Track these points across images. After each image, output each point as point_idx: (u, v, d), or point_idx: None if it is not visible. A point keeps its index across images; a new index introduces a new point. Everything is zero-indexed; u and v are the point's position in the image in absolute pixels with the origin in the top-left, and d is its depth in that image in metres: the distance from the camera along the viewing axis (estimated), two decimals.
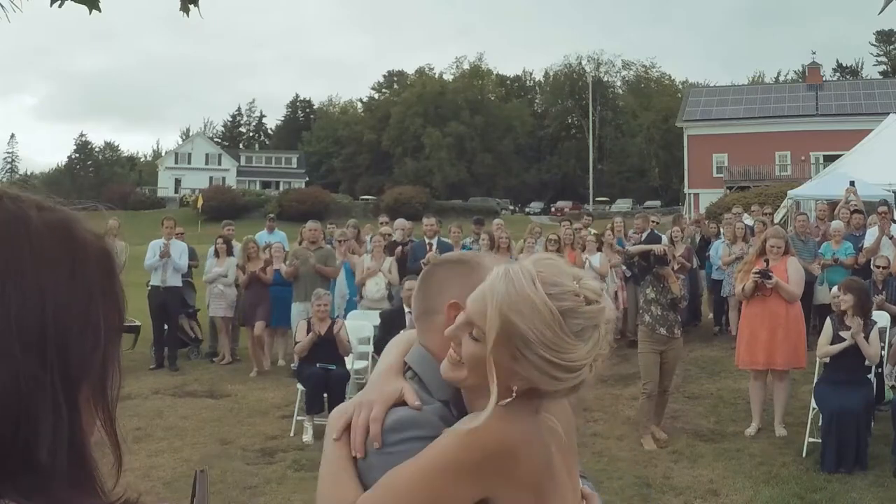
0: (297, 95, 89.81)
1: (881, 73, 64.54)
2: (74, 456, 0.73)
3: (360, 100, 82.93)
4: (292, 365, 8.36)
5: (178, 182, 69.91)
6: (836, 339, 6.28)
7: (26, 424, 0.69)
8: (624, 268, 10.80)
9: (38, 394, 0.70)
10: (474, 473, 1.30)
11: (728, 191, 36.70)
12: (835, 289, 7.26)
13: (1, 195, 0.76)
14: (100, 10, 2.64)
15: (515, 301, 1.27)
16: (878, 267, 8.57)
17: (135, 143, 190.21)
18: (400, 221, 11.50)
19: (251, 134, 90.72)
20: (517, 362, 1.27)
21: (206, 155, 73.82)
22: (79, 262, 0.75)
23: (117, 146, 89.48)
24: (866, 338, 6.20)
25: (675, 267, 7.50)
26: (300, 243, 10.29)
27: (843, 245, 10.05)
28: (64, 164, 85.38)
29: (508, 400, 1.29)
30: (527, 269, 1.30)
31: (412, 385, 1.48)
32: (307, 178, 70.73)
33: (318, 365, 7.08)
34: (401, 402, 1.45)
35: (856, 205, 11.80)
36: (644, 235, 11.63)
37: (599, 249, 10.98)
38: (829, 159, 29.50)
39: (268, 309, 9.87)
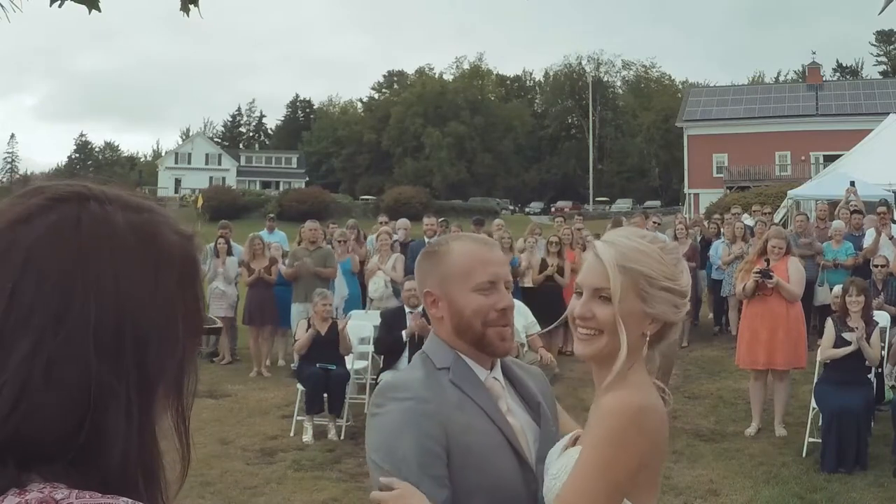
0: (297, 95, 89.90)
1: (881, 73, 64.55)
2: (145, 461, 0.73)
3: (360, 100, 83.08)
4: (292, 365, 8.36)
5: (178, 182, 69.89)
6: (838, 340, 6.28)
7: (98, 422, 0.69)
8: None
9: (110, 401, 0.70)
10: (637, 443, 1.44)
11: (728, 191, 36.69)
12: (836, 288, 7.26)
13: (89, 196, 0.75)
14: (100, 10, 2.64)
15: (626, 253, 1.51)
16: (877, 266, 8.57)
17: (135, 143, 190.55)
18: (402, 221, 11.51)
19: (251, 134, 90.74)
20: (647, 303, 1.50)
21: (206, 155, 73.80)
22: (161, 268, 0.75)
23: (117, 146, 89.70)
24: (868, 338, 6.21)
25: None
26: (299, 243, 10.29)
27: (844, 245, 10.05)
28: (64, 164, 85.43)
29: (644, 350, 1.50)
30: (616, 233, 1.57)
31: (418, 359, 1.74)
32: (307, 178, 70.69)
33: (318, 365, 7.07)
34: None
35: (856, 205, 11.80)
36: None
37: None
38: (829, 159, 29.51)
39: (274, 309, 9.87)
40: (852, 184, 13.07)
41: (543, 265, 9.99)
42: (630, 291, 1.49)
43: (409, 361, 6.03)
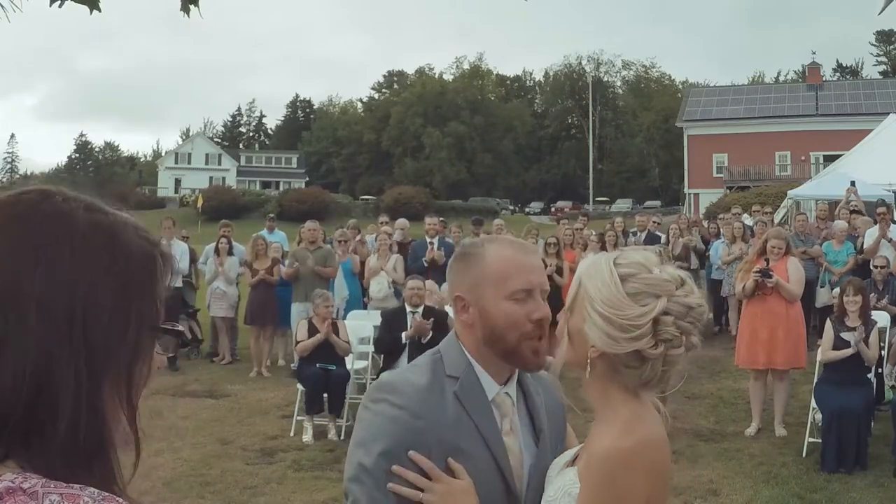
0: (297, 95, 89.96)
1: (881, 73, 64.55)
2: (93, 438, 0.77)
3: (360, 100, 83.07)
4: (292, 365, 8.36)
5: (178, 182, 69.89)
6: (837, 340, 6.29)
7: (47, 395, 0.75)
8: None
9: (58, 368, 0.75)
10: (636, 485, 1.39)
11: (728, 191, 36.71)
12: (837, 289, 7.26)
13: (55, 192, 0.82)
14: (100, 10, 2.63)
15: (588, 268, 1.50)
16: (876, 267, 8.57)
17: (135, 143, 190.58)
18: (401, 221, 11.50)
19: (251, 134, 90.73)
20: (585, 322, 1.46)
21: (206, 155, 73.80)
22: (117, 261, 0.81)
23: (117, 146, 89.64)
24: (867, 338, 6.21)
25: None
26: (299, 243, 10.29)
27: (845, 245, 10.05)
28: (64, 164, 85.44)
29: (586, 375, 1.48)
30: (623, 250, 1.55)
31: (429, 360, 1.65)
32: (307, 178, 70.70)
33: (318, 365, 7.08)
34: None
35: (856, 205, 11.80)
36: (643, 235, 11.64)
37: (603, 248, 10.99)
38: (829, 159, 29.51)
39: (276, 309, 9.87)
40: (853, 184, 13.07)
41: (543, 265, 9.99)
42: (576, 305, 1.49)
43: (409, 362, 6.01)
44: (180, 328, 0.95)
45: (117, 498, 0.76)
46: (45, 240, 0.78)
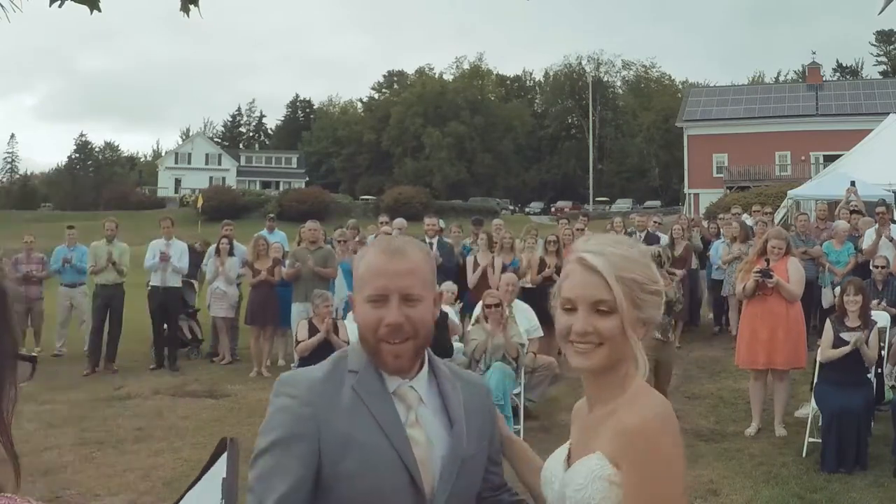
0: (297, 95, 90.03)
1: (881, 73, 64.57)
2: None
3: (360, 100, 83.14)
4: (292, 364, 8.36)
5: (178, 182, 69.91)
6: (836, 340, 6.29)
7: None
8: None
9: None
10: (674, 452, 1.47)
11: (728, 191, 36.73)
12: (837, 288, 7.25)
13: None
14: (100, 10, 2.63)
15: (618, 263, 1.52)
16: (877, 267, 8.57)
17: (135, 143, 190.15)
18: (398, 221, 11.48)
19: (251, 134, 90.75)
20: (640, 309, 1.52)
21: (206, 155, 73.82)
22: None
23: (117, 146, 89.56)
24: (867, 339, 6.21)
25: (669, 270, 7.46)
26: (299, 243, 10.28)
27: (846, 246, 10.05)
28: (64, 164, 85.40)
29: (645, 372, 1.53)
30: (599, 242, 1.57)
31: (336, 356, 1.75)
32: (307, 178, 70.72)
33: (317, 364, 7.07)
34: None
35: (856, 205, 11.79)
36: (642, 235, 11.63)
37: None
38: (829, 159, 29.51)
39: (276, 309, 9.87)
40: (853, 184, 13.07)
41: (542, 265, 10.00)
42: (627, 300, 1.50)
43: None
44: (33, 354, 1.04)
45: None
46: None
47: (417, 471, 1.60)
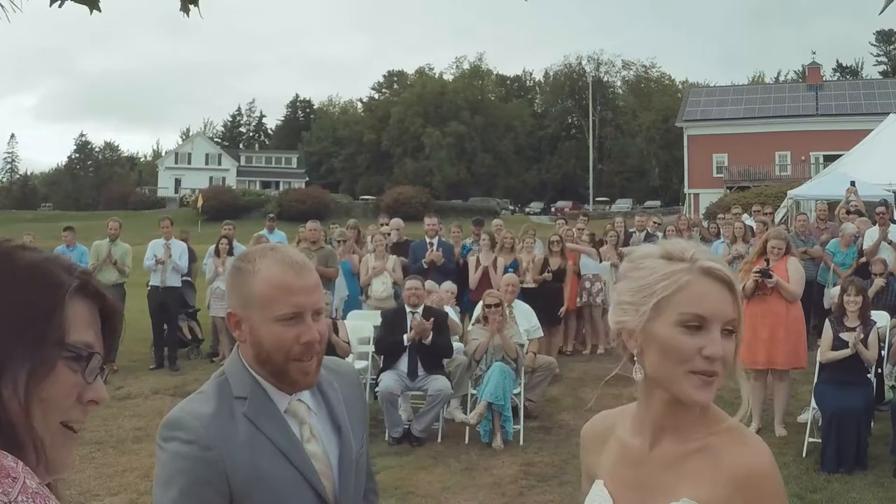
0: (297, 95, 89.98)
1: (881, 73, 64.54)
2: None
3: (360, 100, 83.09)
4: None
5: (178, 182, 69.89)
6: (836, 340, 6.29)
7: None
8: None
9: None
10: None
11: (728, 191, 36.72)
12: (835, 289, 7.25)
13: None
14: (100, 10, 2.63)
15: (733, 278, 1.34)
16: (875, 275, 8.55)
17: (135, 143, 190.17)
18: (395, 221, 11.47)
19: (251, 134, 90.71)
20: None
21: (206, 155, 73.79)
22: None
23: (117, 146, 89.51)
24: (866, 339, 6.21)
25: None
26: (298, 243, 10.27)
27: (851, 248, 10.00)
28: (64, 164, 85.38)
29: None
30: (701, 251, 1.37)
31: (214, 384, 1.62)
32: (307, 178, 70.70)
33: None
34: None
35: (856, 205, 11.79)
36: (641, 235, 11.63)
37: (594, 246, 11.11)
38: (829, 159, 29.52)
39: None
40: (853, 184, 13.06)
41: (545, 264, 9.99)
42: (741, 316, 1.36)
43: (409, 363, 6.00)
44: (95, 351, 0.99)
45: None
46: None
47: (322, 486, 1.58)
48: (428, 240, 9.96)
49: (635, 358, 1.37)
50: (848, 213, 11.17)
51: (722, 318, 1.30)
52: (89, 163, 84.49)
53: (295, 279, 1.58)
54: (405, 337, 6.82)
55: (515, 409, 6.90)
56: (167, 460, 1.51)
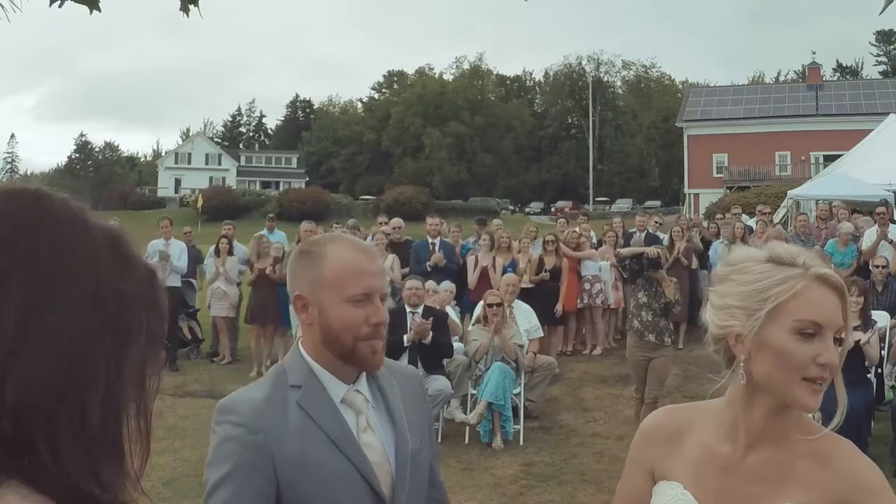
0: (297, 95, 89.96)
1: (881, 73, 64.54)
2: (116, 431, 0.75)
3: (360, 100, 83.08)
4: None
5: (178, 182, 69.88)
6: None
7: (81, 379, 0.71)
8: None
9: (92, 350, 0.72)
10: None
11: (728, 191, 36.69)
12: None
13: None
14: (100, 10, 2.63)
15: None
16: (877, 267, 8.57)
17: (135, 143, 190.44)
18: (395, 221, 11.46)
19: (251, 134, 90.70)
20: None
21: (206, 155, 73.79)
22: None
23: (117, 146, 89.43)
24: (867, 339, 6.22)
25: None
26: (297, 243, 10.27)
27: (850, 247, 10.01)
28: (64, 164, 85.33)
29: None
30: (813, 257, 1.34)
31: (272, 373, 1.66)
32: (307, 178, 70.69)
33: None
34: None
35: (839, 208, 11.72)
36: (642, 235, 11.62)
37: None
38: (829, 159, 29.51)
39: (277, 308, 9.88)
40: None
41: (541, 264, 9.99)
42: None
43: (409, 363, 5.99)
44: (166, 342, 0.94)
45: None
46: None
47: (376, 479, 1.58)
48: (430, 240, 9.96)
49: (741, 363, 1.34)
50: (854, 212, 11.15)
51: (835, 325, 1.30)
52: (89, 163, 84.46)
53: (367, 262, 1.64)
54: (405, 337, 6.82)
55: (515, 409, 6.90)
56: (218, 443, 1.55)
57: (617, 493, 1.56)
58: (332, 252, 1.63)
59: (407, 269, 9.48)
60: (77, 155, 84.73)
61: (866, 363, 6.26)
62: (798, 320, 1.28)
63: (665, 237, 11.54)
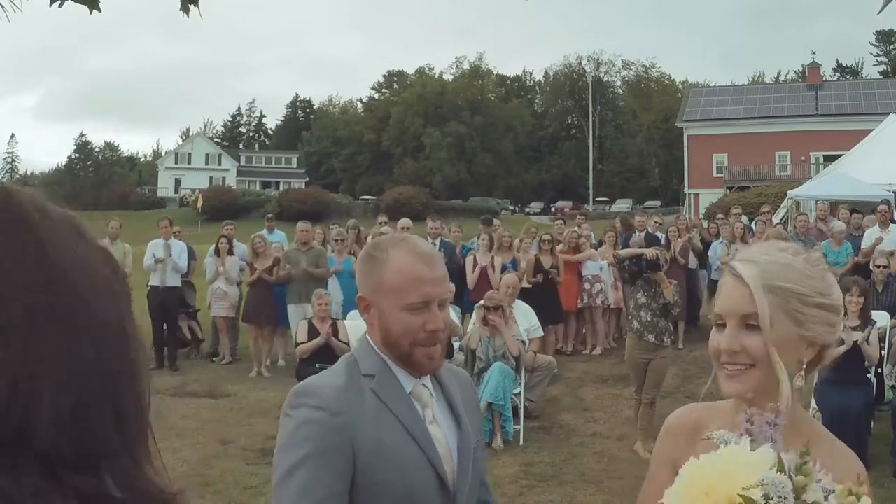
0: (297, 95, 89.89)
1: (881, 73, 64.52)
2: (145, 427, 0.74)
3: (360, 100, 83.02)
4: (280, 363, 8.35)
5: (178, 182, 69.89)
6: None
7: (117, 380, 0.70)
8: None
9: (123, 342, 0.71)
10: None
11: (728, 191, 36.69)
12: None
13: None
14: (100, 10, 2.63)
15: (769, 270, 1.32)
16: (878, 267, 8.56)
17: (135, 143, 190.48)
18: (403, 221, 11.49)
19: (251, 134, 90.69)
20: (801, 325, 1.32)
21: (206, 155, 73.78)
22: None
23: (117, 146, 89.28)
24: (866, 339, 6.22)
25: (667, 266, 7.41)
26: (295, 243, 10.29)
27: (843, 246, 10.03)
28: (64, 164, 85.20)
29: (800, 381, 1.34)
30: (753, 249, 1.39)
31: (343, 362, 1.70)
32: (307, 178, 70.69)
33: (317, 365, 7.08)
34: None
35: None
36: (642, 236, 11.62)
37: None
38: (829, 159, 29.51)
39: (273, 308, 9.87)
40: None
41: (538, 264, 9.99)
42: (781, 314, 1.31)
43: None
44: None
45: None
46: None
47: (443, 468, 1.62)
48: (430, 241, 9.97)
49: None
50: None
51: (734, 312, 1.36)
52: (89, 163, 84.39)
53: (426, 270, 1.66)
54: None
55: (515, 409, 6.90)
56: (295, 427, 1.56)
57: (643, 490, 1.57)
58: (394, 258, 1.66)
59: None
60: (77, 155, 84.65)
61: (866, 363, 6.27)
62: (714, 315, 1.40)
63: (663, 237, 11.54)
